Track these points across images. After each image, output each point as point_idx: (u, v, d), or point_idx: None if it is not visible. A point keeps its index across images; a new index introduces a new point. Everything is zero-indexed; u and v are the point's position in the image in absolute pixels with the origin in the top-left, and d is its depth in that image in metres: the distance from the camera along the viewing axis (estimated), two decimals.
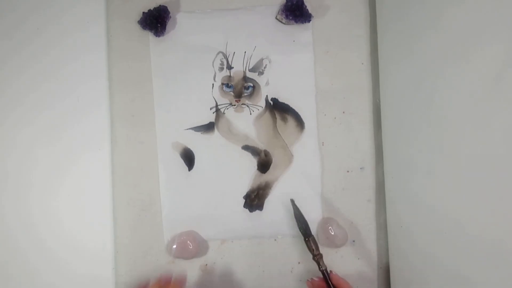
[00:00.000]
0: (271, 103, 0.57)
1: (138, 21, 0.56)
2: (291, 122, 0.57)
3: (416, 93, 0.47)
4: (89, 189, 0.56)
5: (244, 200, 0.56)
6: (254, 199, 0.56)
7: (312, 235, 0.52)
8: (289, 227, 0.56)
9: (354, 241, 0.56)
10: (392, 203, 0.54)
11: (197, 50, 0.57)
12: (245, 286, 0.56)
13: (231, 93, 0.56)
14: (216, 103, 0.57)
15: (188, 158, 0.57)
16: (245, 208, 0.56)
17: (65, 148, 0.56)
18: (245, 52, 0.56)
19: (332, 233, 0.54)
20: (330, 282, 0.48)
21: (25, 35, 0.56)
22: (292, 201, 0.54)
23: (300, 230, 0.52)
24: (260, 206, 0.56)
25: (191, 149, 0.57)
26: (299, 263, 0.56)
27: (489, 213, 0.38)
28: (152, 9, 0.55)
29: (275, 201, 0.56)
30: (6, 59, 0.56)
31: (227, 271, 0.56)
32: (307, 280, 0.51)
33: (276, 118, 0.57)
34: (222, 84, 0.56)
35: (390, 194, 0.54)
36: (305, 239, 0.52)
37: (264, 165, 0.57)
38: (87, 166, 0.56)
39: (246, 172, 0.56)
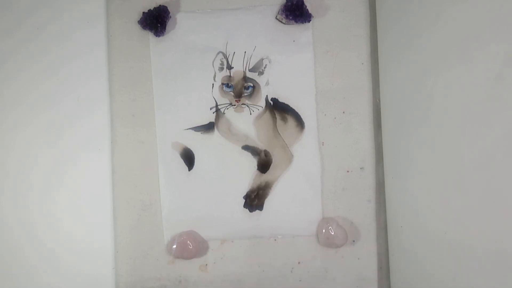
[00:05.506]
0: (271, 103, 0.57)
1: (138, 21, 0.56)
2: (291, 122, 0.57)
3: (416, 93, 0.47)
4: (89, 189, 0.56)
5: (244, 200, 0.56)
6: (254, 199, 0.56)
7: None
8: (289, 227, 0.56)
9: (354, 241, 0.56)
10: (392, 203, 0.54)
11: (197, 50, 0.57)
12: (245, 286, 0.56)
13: (231, 93, 0.56)
14: (216, 103, 0.57)
15: (188, 158, 0.57)
16: (245, 208, 0.56)
17: (65, 148, 0.56)
18: (245, 52, 0.56)
19: (332, 233, 0.54)
20: None
21: (25, 35, 0.56)
22: None
23: None
24: (260, 206, 0.56)
25: (191, 149, 0.57)
26: (299, 263, 0.56)
27: (489, 214, 0.38)
28: (152, 9, 0.55)
29: (275, 201, 0.56)
30: (6, 59, 0.56)
31: (227, 271, 0.56)
32: None
33: (276, 118, 0.57)
34: (222, 84, 0.56)
35: (390, 194, 0.54)
36: None
37: (264, 165, 0.57)
38: (87, 166, 0.56)
39: (246, 172, 0.56)
